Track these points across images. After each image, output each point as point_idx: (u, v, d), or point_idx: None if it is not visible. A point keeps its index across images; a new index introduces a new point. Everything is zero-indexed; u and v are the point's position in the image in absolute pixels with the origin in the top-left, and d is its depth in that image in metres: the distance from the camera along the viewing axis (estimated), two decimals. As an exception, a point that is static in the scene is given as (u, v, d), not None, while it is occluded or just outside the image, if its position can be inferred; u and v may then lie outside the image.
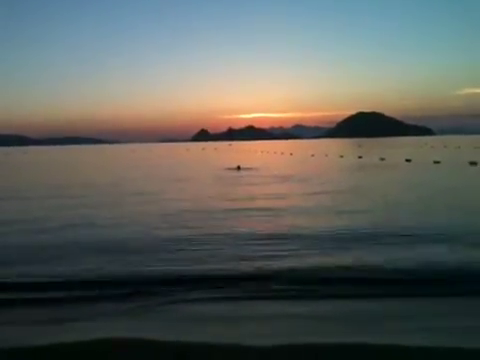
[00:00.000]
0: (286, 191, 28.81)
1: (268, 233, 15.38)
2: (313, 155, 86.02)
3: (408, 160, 58.80)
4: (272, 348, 6.98)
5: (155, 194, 28.55)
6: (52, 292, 10.03)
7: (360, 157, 70.54)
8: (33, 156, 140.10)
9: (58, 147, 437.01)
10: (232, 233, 15.48)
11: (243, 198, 25.33)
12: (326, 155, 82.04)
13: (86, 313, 8.85)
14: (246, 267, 11.37)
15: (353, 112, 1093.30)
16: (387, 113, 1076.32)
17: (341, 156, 75.67)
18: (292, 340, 7.24)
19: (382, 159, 63.50)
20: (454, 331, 7.63)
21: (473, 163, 48.54)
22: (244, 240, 14.39)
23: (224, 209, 21.02)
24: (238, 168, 49.71)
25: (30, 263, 12.14)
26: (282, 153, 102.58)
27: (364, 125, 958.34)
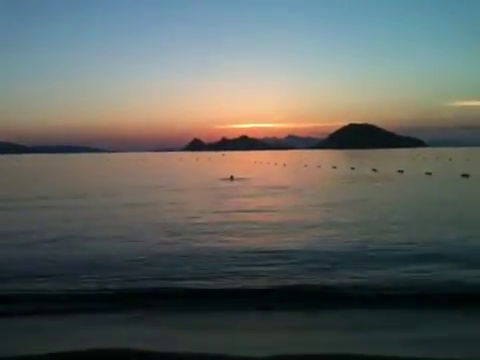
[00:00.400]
0: (279, 203, 28.96)
1: (262, 248, 15.14)
2: (306, 166, 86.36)
3: (400, 171, 59.29)
4: (267, 359, 7.03)
5: (150, 205, 28.55)
6: (50, 303, 10.05)
7: (353, 168, 70.94)
8: (26, 164, 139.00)
9: (49, 155, 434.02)
10: (225, 248, 15.31)
11: (236, 210, 25.25)
12: (319, 166, 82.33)
13: (84, 324, 8.88)
14: (241, 281, 11.35)
15: (345, 123, 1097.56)
16: (379, 124, 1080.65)
17: (334, 167, 76.03)
18: (288, 351, 7.30)
19: (374, 170, 63.95)
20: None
21: (465, 175, 49.18)
22: (237, 254, 14.22)
23: (217, 222, 20.89)
24: (231, 178, 49.91)
25: (28, 276, 12.08)
26: (275, 164, 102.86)
27: (356, 137, 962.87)
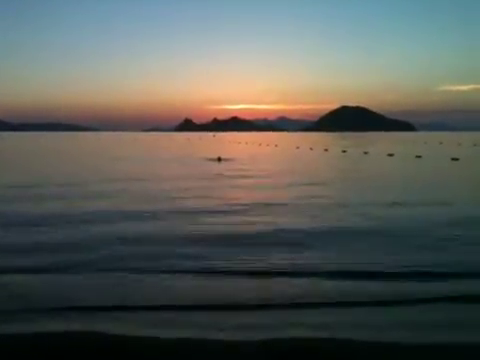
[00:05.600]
0: (269, 185, 28.74)
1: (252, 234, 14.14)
2: (298, 147, 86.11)
3: (390, 154, 59.50)
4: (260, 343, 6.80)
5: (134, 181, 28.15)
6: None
7: (344, 151, 70.78)
8: (8, 143, 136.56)
9: (35, 133, 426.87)
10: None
11: (220, 197, 23.21)
12: (311, 148, 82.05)
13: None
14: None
15: (337, 106, 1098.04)
16: (371, 108, 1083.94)
17: (326, 150, 75.80)
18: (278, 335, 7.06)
19: (365, 153, 63.98)
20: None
21: (455, 159, 49.49)
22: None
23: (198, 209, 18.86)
24: (219, 159, 49.01)
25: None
26: (267, 145, 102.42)
27: (348, 119, 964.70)
